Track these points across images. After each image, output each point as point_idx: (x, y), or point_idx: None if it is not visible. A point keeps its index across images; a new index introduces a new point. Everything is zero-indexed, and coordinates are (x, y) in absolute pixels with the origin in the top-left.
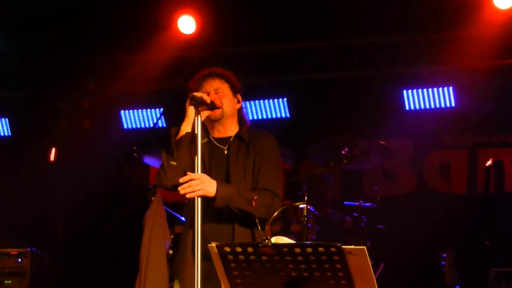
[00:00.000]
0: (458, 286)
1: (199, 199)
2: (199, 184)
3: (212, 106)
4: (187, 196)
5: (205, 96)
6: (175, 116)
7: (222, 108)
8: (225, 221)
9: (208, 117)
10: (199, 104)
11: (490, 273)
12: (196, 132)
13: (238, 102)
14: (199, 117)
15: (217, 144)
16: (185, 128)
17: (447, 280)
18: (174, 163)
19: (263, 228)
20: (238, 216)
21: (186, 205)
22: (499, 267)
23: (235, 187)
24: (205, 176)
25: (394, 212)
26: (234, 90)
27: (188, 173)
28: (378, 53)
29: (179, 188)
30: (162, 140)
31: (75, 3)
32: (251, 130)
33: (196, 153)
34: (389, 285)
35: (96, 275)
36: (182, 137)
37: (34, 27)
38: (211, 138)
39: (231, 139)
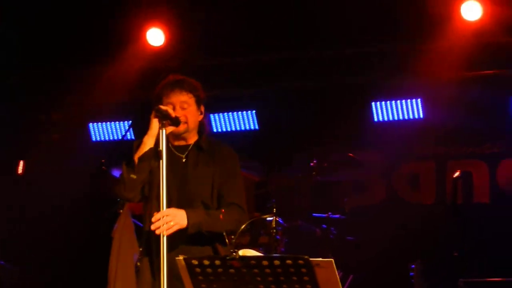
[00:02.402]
0: None
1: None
2: (172, 220)
3: (176, 122)
4: (163, 233)
5: (170, 110)
6: (144, 129)
7: (187, 124)
8: (185, 242)
9: (172, 131)
10: (164, 118)
11: (459, 284)
12: (160, 147)
13: (201, 113)
14: (164, 131)
15: (176, 152)
16: (148, 140)
17: None
18: (134, 177)
19: (225, 244)
20: (197, 235)
21: (143, 231)
22: (468, 277)
23: (202, 211)
24: (173, 210)
25: (364, 223)
26: (199, 103)
27: (155, 213)
28: (346, 64)
29: (152, 227)
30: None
31: (44, 16)
32: (211, 139)
33: (159, 166)
34: None
35: None
36: (146, 152)
37: (2, 40)
38: (170, 146)
39: (190, 147)
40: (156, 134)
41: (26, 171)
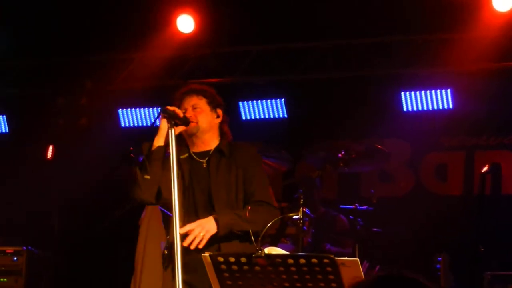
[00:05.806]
0: None
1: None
2: (201, 231)
3: (185, 121)
4: (193, 247)
5: (177, 110)
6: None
7: (197, 124)
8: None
9: (185, 132)
10: (172, 118)
11: (485, 277)
12: (171, 145)
13: (218, 117)
14: (173, 130)
15: (197, 158)
16: (157, 142)
17: (442, 283)
18: (148, 177)
19: (255, 241)
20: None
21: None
22: (494, 270)
23: (230, 212)
24: (200, 221)
25: (390, 214)
26: (213, 105)
27: (183, 228)
28: (376, 54)
29: (185, 244)
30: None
31: (73, 0)
32: (232, 143)
33: (171, 166)
34: None
35: (92, 275)
36: (154, 151)
37: (32, 24)
38: (191, 153)
39: (211, 152)
40: (166, 135)
41: (55, 156)
